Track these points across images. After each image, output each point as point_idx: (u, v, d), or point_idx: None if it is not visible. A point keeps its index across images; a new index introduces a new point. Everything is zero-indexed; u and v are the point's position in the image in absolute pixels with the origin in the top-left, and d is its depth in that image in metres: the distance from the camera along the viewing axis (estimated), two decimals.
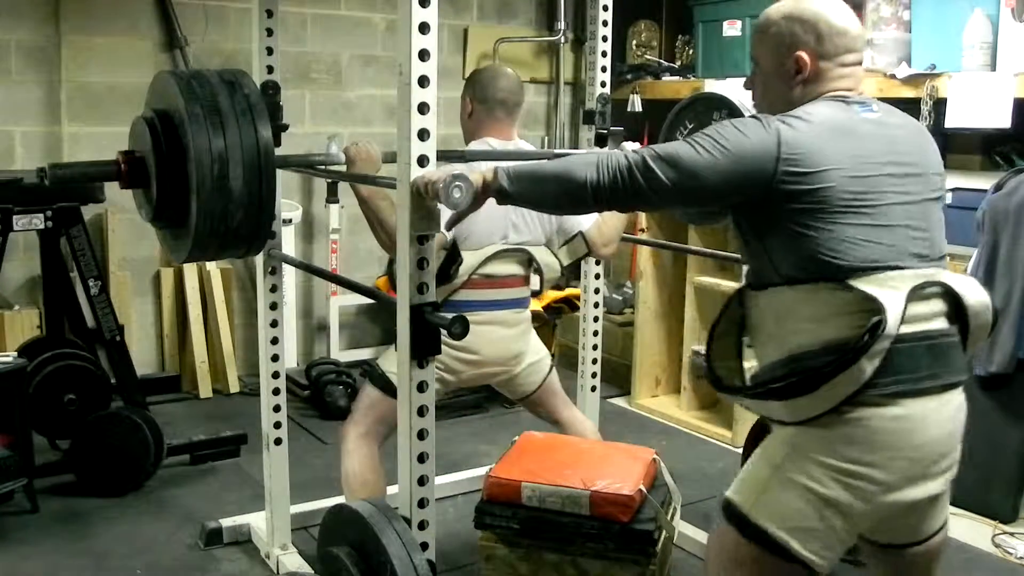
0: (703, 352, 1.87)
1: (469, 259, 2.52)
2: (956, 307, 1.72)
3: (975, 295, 1.73)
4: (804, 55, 1.75)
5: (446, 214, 1.91)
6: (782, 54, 1.77)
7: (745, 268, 1.84)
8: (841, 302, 1.62)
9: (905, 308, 1.59)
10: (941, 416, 1.67)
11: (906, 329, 1.60)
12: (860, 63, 1.80)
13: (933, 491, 1.70)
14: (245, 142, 1.99)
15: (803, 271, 1.66)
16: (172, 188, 2.04)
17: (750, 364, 1.87)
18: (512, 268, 2.63)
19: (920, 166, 1.73)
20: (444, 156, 2.29)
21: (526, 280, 2.69)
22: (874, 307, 1.58)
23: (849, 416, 1.62)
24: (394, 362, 2.45)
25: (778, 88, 1.80)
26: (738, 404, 2.31)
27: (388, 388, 2.52)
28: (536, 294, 2.79)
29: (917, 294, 1.63)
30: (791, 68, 1.77)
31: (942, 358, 1.67)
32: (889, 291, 1.60)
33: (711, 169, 1.63)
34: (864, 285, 1.60)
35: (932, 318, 1.68)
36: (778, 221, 1.66)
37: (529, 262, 2.66)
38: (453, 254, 2.48)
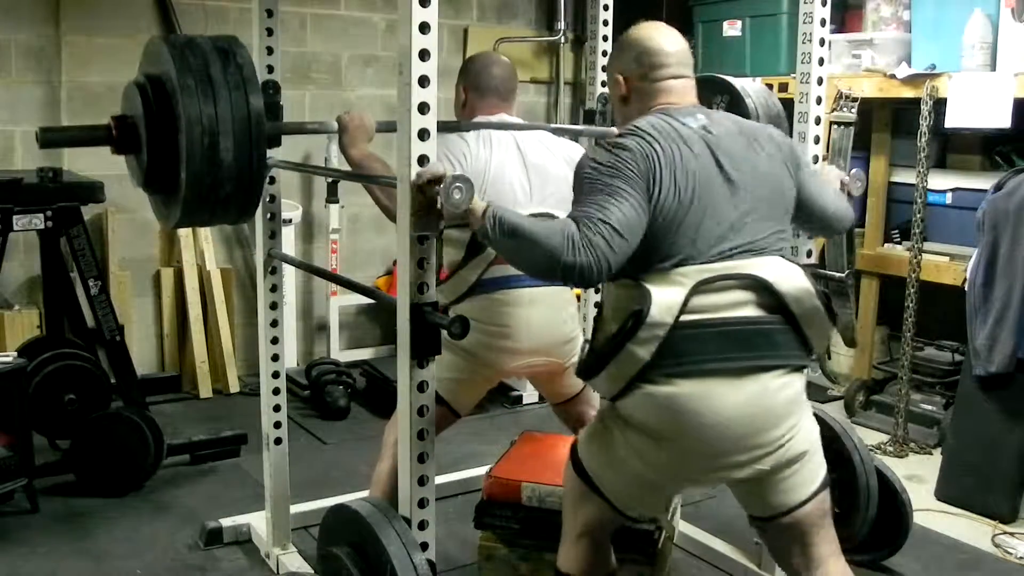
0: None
1: None
2: (775, 297, 1.82)
3: (790, 282, 1.83)
4: (621, 77, 1.97)
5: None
6: (613, 80, 2.00)
7: None
8: (630, 297, 1.78)
9: (687, 299, 1.74)
10: (736, 399, 1.77)
11: (690, 317, 1.75)
12: (679, 77, 1.93)
13: (743, 475, 1.83)
14: (235, 104, 1.96)
15: (624, 270, 1.77)
16: (163, 151, 2.00)
17: None
18: None
19: (740, 170, 1.84)
20: (443, 127, 2.24)
21: None
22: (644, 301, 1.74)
23: (638, 392, 1.79)
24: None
25: (618, 110, 2.01)
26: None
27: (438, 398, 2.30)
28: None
29: (706, 287, 1.77)
30: (618, 91, 1.99)
31: (743, 343, 1.78)
32: (669, 286, 1.75)
33: (643, 209, 1.75)
34: (650, 281, 1.76)
35: (733, 307, 1.79)
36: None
37: None
38: None
